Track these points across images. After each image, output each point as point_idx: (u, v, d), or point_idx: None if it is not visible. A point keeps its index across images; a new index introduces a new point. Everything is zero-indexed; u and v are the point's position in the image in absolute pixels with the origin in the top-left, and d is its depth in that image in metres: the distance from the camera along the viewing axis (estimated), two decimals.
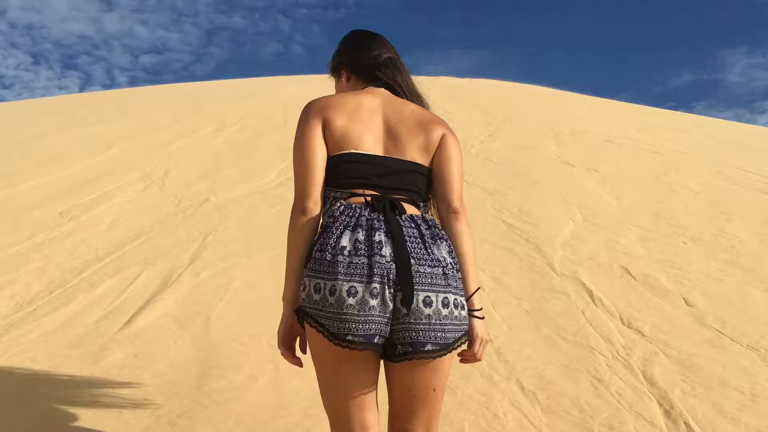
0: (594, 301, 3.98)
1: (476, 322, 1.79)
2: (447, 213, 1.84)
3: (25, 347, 3.42)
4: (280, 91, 17.15)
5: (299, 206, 1.77)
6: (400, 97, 1.99)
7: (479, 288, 1.83)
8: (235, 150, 9.38)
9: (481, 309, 1.81)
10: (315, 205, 1.77)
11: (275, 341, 3.55)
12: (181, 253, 4.93)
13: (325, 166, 1.81)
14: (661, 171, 8.15)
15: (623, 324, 3.67)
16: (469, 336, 1.78)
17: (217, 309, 3.91)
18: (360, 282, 1.61)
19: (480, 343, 1.79)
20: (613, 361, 3.24)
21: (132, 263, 4.73)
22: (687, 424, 2.67)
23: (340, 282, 1.61)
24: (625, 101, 21.66)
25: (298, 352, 1.85)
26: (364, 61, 2.01)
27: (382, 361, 1.75)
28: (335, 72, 2.09)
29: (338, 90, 2.08)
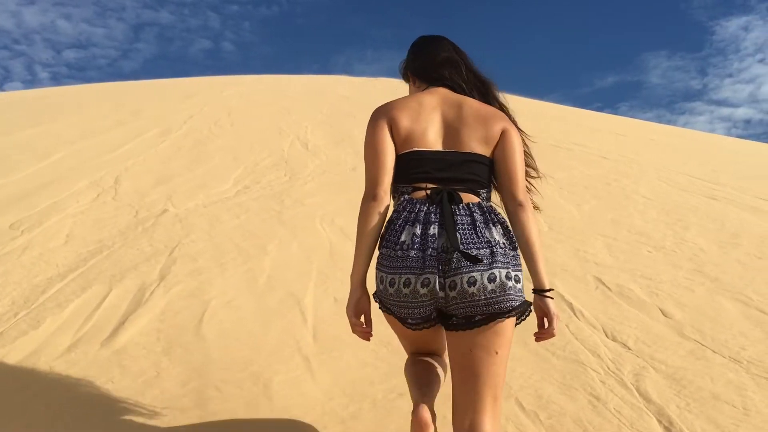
0: (575, 314, 4.05)
1: (547, 301, 2.01)
2: (513, 206, 2.02)
3: None
4: (221, 92, 16.85)
5: (370, 193, 1.99)
6: (459, 93, 2.14)
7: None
8: (185, 155, 9.14)
9: (552, 290, 2.03)
10: (385, 193, 2.00)
11: (262, 373, 3.42)
12: (148, 269, 4.75)
13: (394, 160, 2.02)
14: (612, 177, 8.39)
15: (607, 337, 3.75)
16: (544, 313, 2.03)
17: (199, 332, 3.77)
18: (413, 274, 1.88)
19: (551, 320, 2.04)
20: (606, 377, 3.29)
21: (97, 280, 4.52)
22: None
23: (398, 275, 1.90)
24: (552, 102, 22.22)
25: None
26: (422, 65, 2.23)
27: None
28: (405, 77, 2.34)
29: (410, 92, 2.30)
